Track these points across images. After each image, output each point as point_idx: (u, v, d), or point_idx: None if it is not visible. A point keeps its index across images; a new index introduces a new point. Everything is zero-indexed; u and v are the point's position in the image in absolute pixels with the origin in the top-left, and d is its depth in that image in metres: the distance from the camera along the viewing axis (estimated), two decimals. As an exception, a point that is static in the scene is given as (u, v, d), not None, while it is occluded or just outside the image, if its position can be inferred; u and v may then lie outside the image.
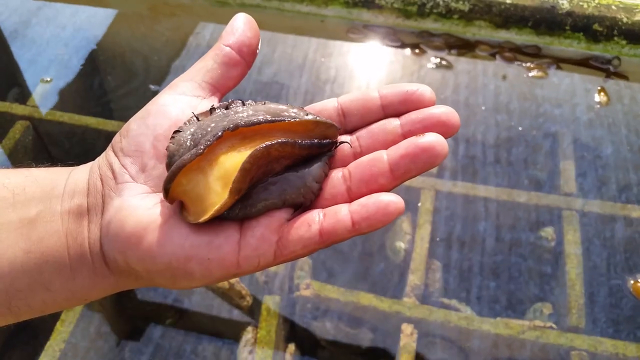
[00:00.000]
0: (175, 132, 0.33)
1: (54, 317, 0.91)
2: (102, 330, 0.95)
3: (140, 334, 0.95)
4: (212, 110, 0.34)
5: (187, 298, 0.97)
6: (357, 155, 0.35)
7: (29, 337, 0.97)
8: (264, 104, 0.34)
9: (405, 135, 0.34)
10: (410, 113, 0.34)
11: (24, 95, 1.29)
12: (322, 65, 1.32)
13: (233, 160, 0.32)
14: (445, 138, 0.32)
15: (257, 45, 0.37)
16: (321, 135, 0.34)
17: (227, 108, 0.34)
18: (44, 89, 1.29)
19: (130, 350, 0.93)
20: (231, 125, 0.32)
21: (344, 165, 0.34)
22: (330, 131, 0.34)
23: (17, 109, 1.22)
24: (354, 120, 0.36)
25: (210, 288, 0.96)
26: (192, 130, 0.33)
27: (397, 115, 0.35)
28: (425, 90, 0.34)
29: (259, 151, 0.31)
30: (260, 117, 0.33)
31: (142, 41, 1.43)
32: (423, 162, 0.32)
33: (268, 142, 0.31)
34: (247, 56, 0.37)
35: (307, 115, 0.34)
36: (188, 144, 0.32)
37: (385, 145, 0.34)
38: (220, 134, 0.31)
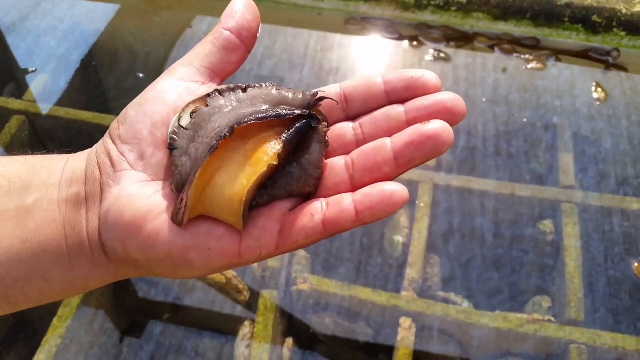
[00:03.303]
0: (171, 148, 0.33)
1: (52, 313, 0.91)
2: (100, 325, 0.95)
3: (138, 329, 0.95)
4: (208, 96, 0.34)
5: (185, 293, 0.97)
6: (359, 143, 0.34)
7: (28, 333, 0.97)
8: (258, 86, 0.34)
9: (409, 123, 0.33)
10: (415, 100, 0.33)
11: (20, 91, 1.28)
12: (323, 58, 1.32)
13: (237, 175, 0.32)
14: (451, 125, 0.32)
15: (258, 29, 0.36)
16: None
17: (221, 94, 0.34)
18: (40, 83, 1.29)
19: (129, 345, 0.93)
20: (226, 133, 0.31)
21: (347, 152, 0.34)
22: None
23: (13, 103, 1.22)
24: (357, 107, 0.35)
25: (208, 282, 0.96)
26: (184, 143, 0.33)
27: (402, 101, 0.34)
28: (430, 77, 0.34)
29: (263, 174, 0.32)
30: (250, 116, 0.32)
31: (139, 35, 1.42)
32: (428, 150, 0.31)
33: (271, 163, 0.32)
34: (247, 40, 0.36)
35: (293, 93, 0.34)
36: (184, 160, 0.32)
37: (389, 133, 0.33)
38: (215, 143, 0.31)
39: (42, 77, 1.30)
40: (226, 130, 0.31)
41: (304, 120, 0.32)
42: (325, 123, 0.34)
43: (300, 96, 0.33)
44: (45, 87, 1.28)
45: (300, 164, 0.32)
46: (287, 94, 0.33)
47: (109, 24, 1.42)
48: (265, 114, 0.32)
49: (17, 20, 1.44)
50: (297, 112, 0.32)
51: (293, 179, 0.32)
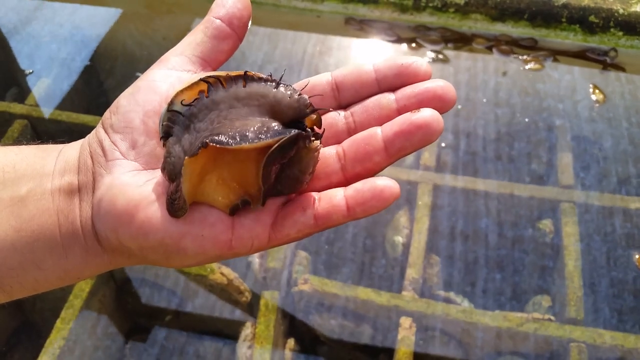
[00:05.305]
0: (166, 134, 0.32)
1: (55, 315, 0.92)
2: (103, 328, 0.95)
3: (141, 332, 0.95)
4: (205, 81, 0.33)
5: (187, 296, 0.98)
6: (351, 131, 0.34)
7: (31, 335, 0.98)
8: (267, 79, 0.33)
9: (400, 111, 0.33)
10: (405, 87, 0.33)
11: (22, 95, 1.29)
12: (322, 61, 1.33)
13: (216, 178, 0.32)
14: (441, 113, 0.32)
15: (249, 17, 0.36)
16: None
17: (222, 84, 0.33)
18: (42, 87, 1.29)
19: (132, 348, 0.94)
20: (199, 144, 0.31)
21: (338, 141, 0.34)
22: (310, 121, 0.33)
23: (16, 107, 1.22)
24: (348, 95, 0.35)
25: (209, 284, 0.97)
26: (179, 131, 0.33)
27: (392, 89, 0.34)
28: (421, 64, 0.33)
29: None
30: (234, 135, 0.31)
31: (140, 39, 1.43)
32: (418, 139, 0.31)
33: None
34: (238, 29, 0.36)
35: (289, 97, 0.32)
36: (177, 150, 0.32)
37: (380, 121, 0.33)
38: (197, 151, 0.31)
39: (44, 81, 1.31)
40: (204, 141, 0.30)
41: (292, 140, 0.31)
42: (318, 142, 0.32)
43: (296, 104, 0.32)
44: (47, 91, 1.29)
45: (291, 172, 0.32)
46: (283, 97, 0.32)
47: (111, 29, 1.43)
48: (244, 139, 0.31)
49: (19, 25, 1.45)
50: (283, 137, 0.31)
51: (283, 184, 0.33)
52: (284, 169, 0.32)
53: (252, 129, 0.31)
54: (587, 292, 0.95)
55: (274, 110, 0.32)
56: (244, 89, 0.33)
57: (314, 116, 0.33)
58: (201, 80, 0.33)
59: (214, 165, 0.32)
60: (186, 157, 0.30)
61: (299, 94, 0.32)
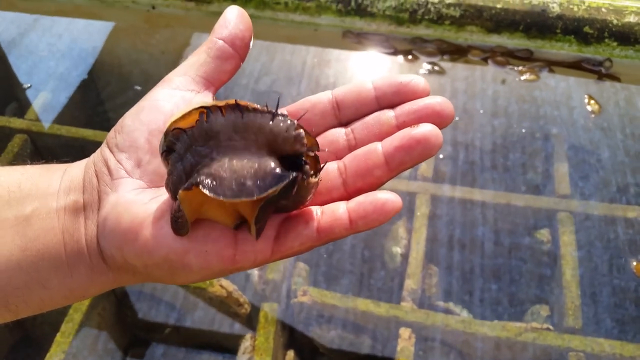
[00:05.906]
0: (169, 149, 0.32)
1: (55, 329, 0.92)
2: (103, 342, 0.95)
3: (140, 346, 0.95)
4: (204, 108, 0.32)
5: (186, 310, 0.98)
6: (351, 148, 0.35)
7: (31, 350, 0.98)
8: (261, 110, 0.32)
9: (399, 127, 0.34)
10: (404, 104, 0.34)
11: (22, 110, 1.30)
12: (320, 73, 1.34)
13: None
14: (440, 128, 0.32)
15: (250, 38, 0.37)
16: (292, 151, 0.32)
17: (222, 112, 0.32)
18: (42, 102, 1.30)
19: (131, 360, 0.94)
20: (192, 182, 0.30)
21: (339, 157, 0.35)
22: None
23: (15, 122, 1.23)
24: (349, 113, 0.36)
25: (209, 296, 0.97)
26: (181, 148, 0.32)
27: (392, 106, 0.35)
28: (419, 81, 0.34)
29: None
30: (228, 185, 0.30)
31: (139, 53, 1.44)
32: (418, 154, 0.32)
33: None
34: (240, 49, 0.36)
35: (286, 131, 0.32)
36: (179, 169, 0.32)
37: (380, 137, 0.34)
38: (190, 187, 0.30)
39: (43, 95, 1.32)
40: (197, 181, 0.30)
41: (288, 180, 0.30)
42: (317, 178, 0.32)
43: (292, 140, 0.31)
44: (47, 105, 1.30)
45: (291, 199, 0.32)
46: (279, 132, 0.31)
47: (109, 42, 1.44)
48: (242, 191, 0.30)
49: (17, 39, 1.46)
50: (280, 186, 0.30)
51: (283, 206, 0.33)
52: (281, 197, 0.32)
53: (248, 173, 0.30)
54: (589, 303, 0.95)
55: (271, 145, 0.32)
56: (241, 121, 0.32)
57: (311, 153, 0.33)
58: (199, 107, 0.32)
59: (210, 198, 0.32)
60: (180, 191, 0.30)
61: (296, 127, 0.32)
